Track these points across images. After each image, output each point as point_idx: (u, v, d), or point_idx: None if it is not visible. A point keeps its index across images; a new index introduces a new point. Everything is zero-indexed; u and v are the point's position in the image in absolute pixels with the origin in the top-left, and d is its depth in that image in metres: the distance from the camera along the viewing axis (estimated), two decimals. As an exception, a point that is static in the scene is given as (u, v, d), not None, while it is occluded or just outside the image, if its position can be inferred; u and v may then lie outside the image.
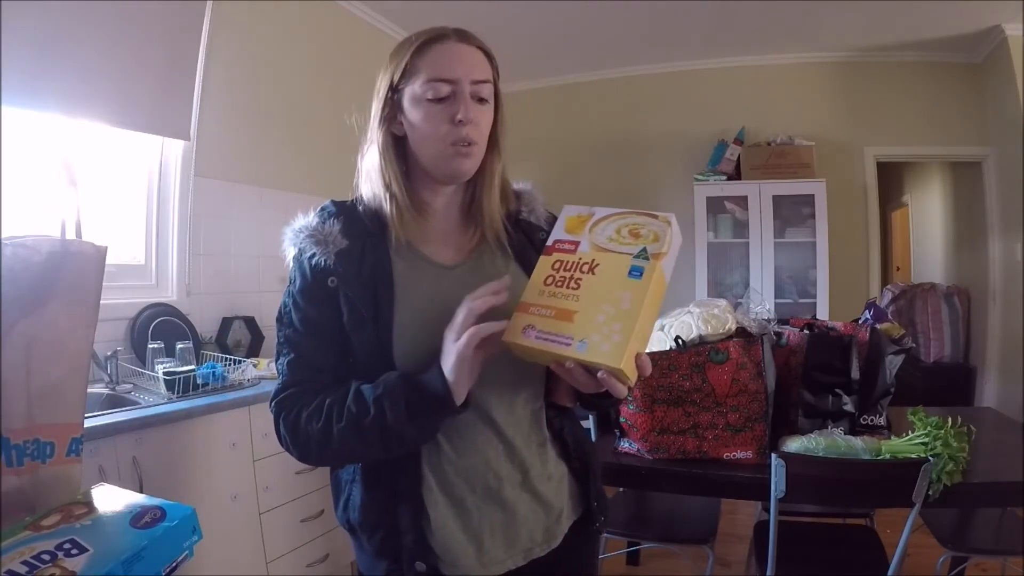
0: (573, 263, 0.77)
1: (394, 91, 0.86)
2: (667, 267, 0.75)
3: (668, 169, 4.33)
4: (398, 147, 0.88)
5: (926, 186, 5.43)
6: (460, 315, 0.75)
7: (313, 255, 0.83)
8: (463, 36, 0.86)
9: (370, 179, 0.89)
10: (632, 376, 0.71)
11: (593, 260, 0.77)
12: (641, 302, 0.71)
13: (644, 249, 0.74)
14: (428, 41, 0.84)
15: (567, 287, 0.76)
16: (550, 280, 0.77)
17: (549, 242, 0.82)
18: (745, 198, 3.91)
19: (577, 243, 0.79)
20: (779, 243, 3.90)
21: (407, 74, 0.84)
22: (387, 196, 0.86)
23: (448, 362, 0.74)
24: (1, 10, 1.70)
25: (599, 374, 0.71)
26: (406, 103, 0.85)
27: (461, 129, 0.82)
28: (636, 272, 0.73)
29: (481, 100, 0.85)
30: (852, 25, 3.58)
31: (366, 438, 0.77)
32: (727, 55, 4.15)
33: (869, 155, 4.06)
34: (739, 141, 4.01)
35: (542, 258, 0.81)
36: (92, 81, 2.00)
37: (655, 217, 0.77)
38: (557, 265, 0.78)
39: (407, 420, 0.75)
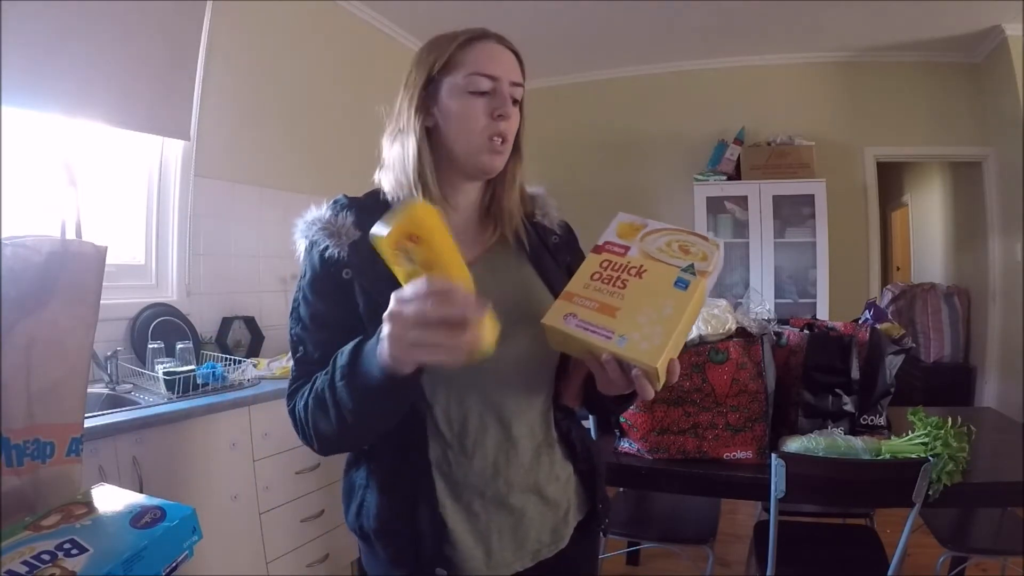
0: (622, 265, 0.80)
1: (431, 82, 0.86)
2: (708, 287, 0.78)
3: (668, 169, 4.34)
4: (428, 138, 0.88)
5: (926, 186, 5.44)
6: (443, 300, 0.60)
7: (326, 247, 0.83)
8: (503, 40, 0.88)
9: (394, 169, 0.88)
10: (663, 380, 0.73)
11: (641, 266, 0.79)
12: (683, 311, 0.73)
13: (692, 265, 0.77)
14: (473, 38, 0.86)
15: (613, 285, 0.78)
16: (596, 276, 0.80)
17: (600, 242, 0.84)
18: (745, 198, 3.91)
19: (628, 248, 0.82)
20: (779, 243, 3.90)
21: (449, 66, 0.85)
22: (418, 186, 0.86)
23: (384, 335, 0.64)
24: (1, 10, 1.70)
25: (633, 372, 0.72)
26: (444, 94, 0.85)
27: (499, 124, 0.83)
28: (682, 284, 0.76)
29: (516, 101, 0.87)
30: (852, 25, 3.58)
31: (326, 406, 0.74)
32: (727, 55, 4.15)
33: (869, 155, 4.06)
34: (739, 141, 4.02)
35: (591, 255, 0.83)
36: (92, 81, 2.00)
37: (706, 239, 0.81)
38: (605, 264, 0.81)
39: (342, 379, 0.71)
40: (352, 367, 0.71)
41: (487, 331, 0.61)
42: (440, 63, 0.85)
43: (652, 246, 0.81)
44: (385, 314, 0.63)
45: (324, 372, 0.77)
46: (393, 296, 0.63)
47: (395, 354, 0.63)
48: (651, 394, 0.74)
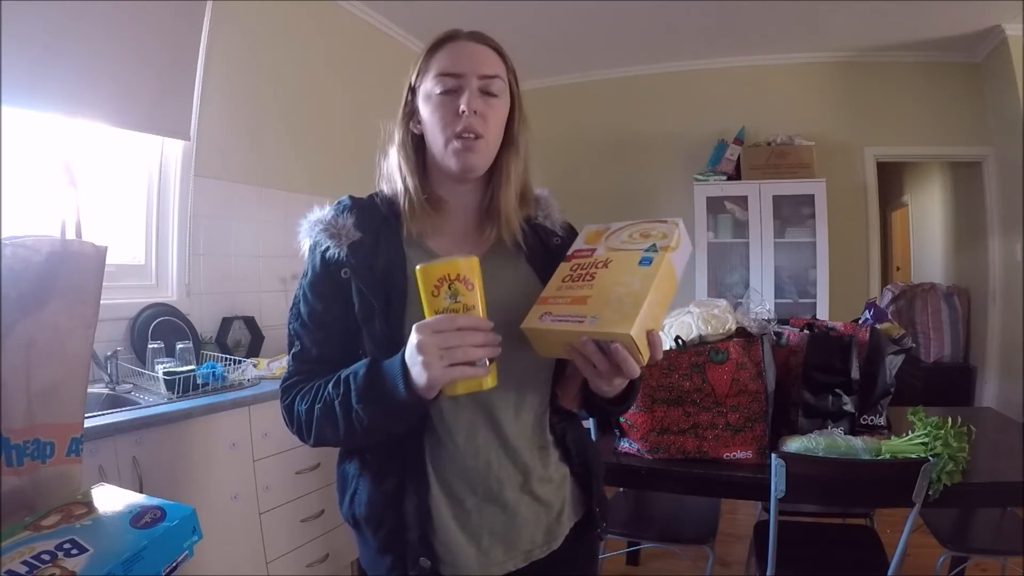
0: (589, 263, 0.83)
1: (412, 91, 0.89)
2: (676, 262, 0.80)
3: (668, 169, 4.33)
4: (417, 145, 0.91)
5: (926, 186, 5.43)
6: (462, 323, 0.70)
7: (327, 248, 0.85)
8: (475, 36, 0.88)
9: (391, 179, 0.91)
10: (644, 351, 0.73)
11: (608, 258, 0.82)
12: (650, 283, 0.75)
13: (654, 245, 0.80)
14: (440, 41, 0.88)
15: (583, 281, 0.81)
16: (567, 279, 0.83)
17: (569, 252, 0.88)
18: (745, 198, 3.91)
19: (594, 250, 0.86)
20: (779, 243, 3.89)
21: (421, 73, 0.88)
22: (402, 190, 0.88)
23: (416, 362, 0.70)
24: (1, 10, 1.70)
25: (611, 347, 0.72)
26: (420, 101, 0.88)
27: (464, 120, 0.83)
28: (646, 261, 0.79)
29: (490, 94, 0.86)
30: (852, 25, 3.58)
31: (334, 419, 0.78)
32: (727, 55, 4.15)
33: (869, 155, 4.06)
34: (739, 141, 4.01)
35: (562, 264, 0.86)
36: (92, 81, 2.00)
37: (665, 221, 0.84)
38: (575, 267, 0.84)
39: (360, 402, 0.75)
40: (371, 391, 0.74)
41: (494, 371, 0.73)
42: (415, 72, 0.89)
43: (616, 241, 0.84)
44: (414, 343, 0.69)
45: (329, 384, 0.79)
46: (418, 328, 0.70)
47: (431, 377, 0.69)
48: (636, 370, 0.74)
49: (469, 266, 0.72)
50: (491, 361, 0.72)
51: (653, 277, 0.75)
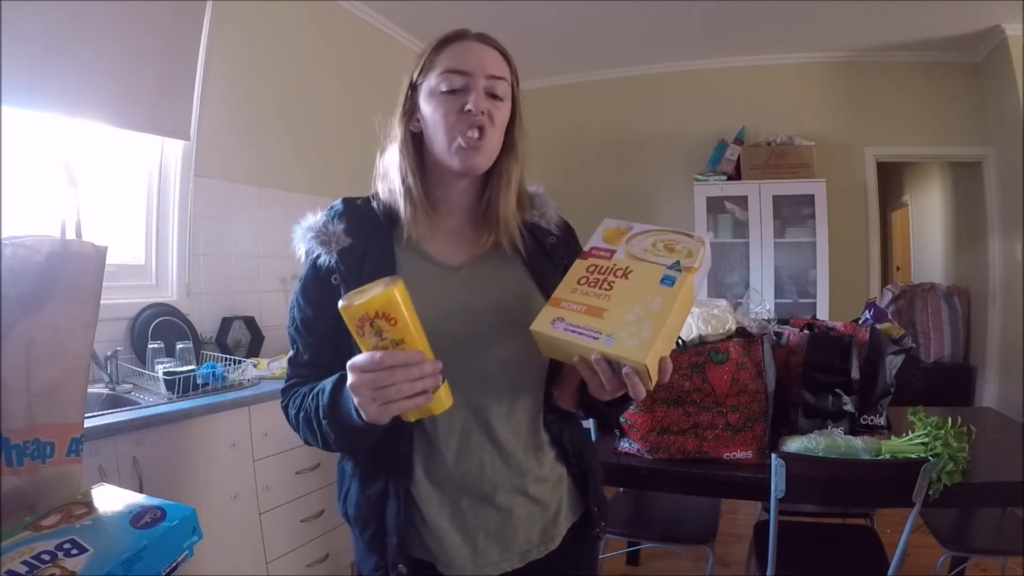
0: (608, 268, 0.81)
1: (413, 88, 0.88)
2: (697, 283, 0.78)
3: (668, 169, 4.33)
4: (415, 143, 0.89)
5: (926, 186, 5.43)
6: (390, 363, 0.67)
7: (319, 255, 0.85)
8: (482, 37, 0.88)
9: (387, 176, 0.90)
10: (655, 378, 0.73)
11: (627, 267, 0.80)
12: (670, 307, 0.74)
13: (677, 262, 0.78)
14: (447, 39, 0.87)
15: (600, 288, 0.79)
16: (583, 281, 0.80)
17: (586, 247, 0.85)
18: (745, 198, 3.91)
19: (613, 251, 0.83)
20: (779, 243, 3.90)
21: (425, 70, 0.87)
22: (402, 191, 0.87)
23: (355, 402, 0.70)
24: (1, 10, 1.70)
25: (623, 370, 0.72)
26: (422, 97, 0.87)
27: (471, 118, 0.83)
28: (668, 281, 0.77)
29: (495, 96, 0.86)
30: (852, 25, 3.58)
31: (312, 429, 0.81)
32: (727, 55, 4.15)
33: (869, 155, 4.06)
34: (739, 141, 4.01)
35: (578, 261, 0.84)
36: (92, 81, 2.00)
37: (690, 236, 0.81)
38: (592, 268, 0.82)
39: (324, 419, 0.77)
40: (332, 409, 0.76)
41: (444, 394, 0.70)
42: (418, 68, 0.87)
43: (638, 247, 0.82)
44: (348, 383, 0.69)
45: (310, 392, 0.81)
46: (349, 367, 0.68)
47: (370, 416, 0.69)
48: (643, 393, 0.74)
49: (386, 300, 0.65)
50: (444, 381, 0.70)
51: (673, 301, 0.74)
